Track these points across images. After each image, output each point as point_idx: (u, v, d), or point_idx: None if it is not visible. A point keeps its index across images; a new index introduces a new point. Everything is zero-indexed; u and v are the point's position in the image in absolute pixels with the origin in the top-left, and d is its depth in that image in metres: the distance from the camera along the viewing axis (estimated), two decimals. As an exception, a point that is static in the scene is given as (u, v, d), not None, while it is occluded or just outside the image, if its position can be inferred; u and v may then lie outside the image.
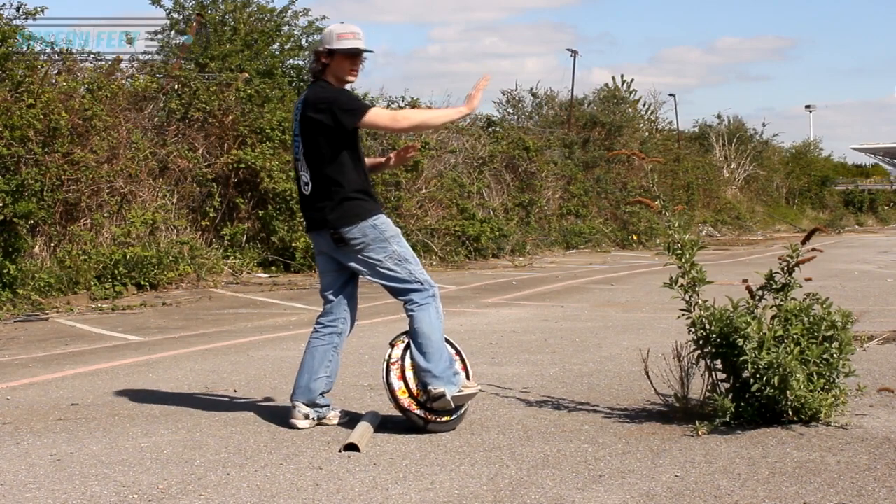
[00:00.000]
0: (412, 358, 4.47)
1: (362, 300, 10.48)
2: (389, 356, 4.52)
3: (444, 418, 4.49)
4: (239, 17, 16.54)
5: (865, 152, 58.90)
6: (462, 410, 4.57)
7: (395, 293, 4.57)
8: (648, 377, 4.90)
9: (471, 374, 4.66)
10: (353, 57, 4.54)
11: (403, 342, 4.55)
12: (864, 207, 44.45)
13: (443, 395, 4.39)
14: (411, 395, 4.44)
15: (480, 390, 4.71)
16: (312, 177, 4.50)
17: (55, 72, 12.12)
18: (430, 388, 4.40)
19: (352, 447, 4.16)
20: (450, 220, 17.06)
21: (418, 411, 4.43)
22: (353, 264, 4.54)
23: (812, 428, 4.39)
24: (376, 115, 4.46)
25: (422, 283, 4.53)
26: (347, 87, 4.63)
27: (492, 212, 18.54)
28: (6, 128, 10.39)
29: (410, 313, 4.50)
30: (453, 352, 4.62)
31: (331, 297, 4.67)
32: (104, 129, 11.65)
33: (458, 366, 4.60)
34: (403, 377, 4.46)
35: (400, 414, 4.52)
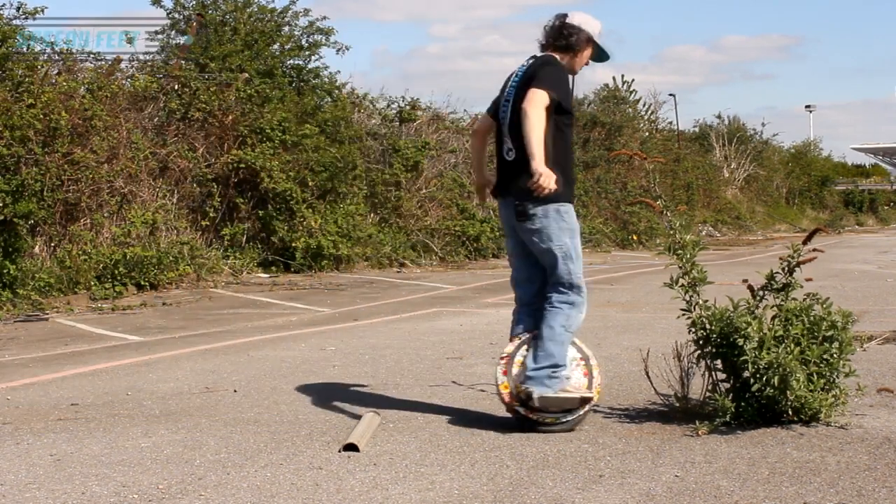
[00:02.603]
0: (524, 355, 4.46)
1: (362, 300, 10.45)
2: (504, 352, 4.51)
3: (548, 419, 4.42)
4: (239, 18, 16.53)
5: (865, 152, 58.89)
6: (572, 416, 4.45)
7: (548, 281, 4.51)
8: (648, 377, 4.90)
9: (595, 381, 4.51)
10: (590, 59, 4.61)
11: (520, 339, 4.51)
12: (864, 207, 44.45)
13: (530, 396, 4.34)
14: (511, 392, 4.42)
15: (588, 397, 4.49)
16: (516, 145, 4.41)
17: (55, 72, 12.12)
18: (524, 388, 4.37)
19: (352, 447, 4.15)
20: (450, 220, 17.06)
21: (519, 408, 4.41)
22: (527, 239, 4.48)
23: (812, 428, 4.39)
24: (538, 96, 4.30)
25: (574, 287, 4.48)
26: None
27: (492, 212, 18.52)
28: (6, 128, 10.39)
29: (546, 310, 4.46)
30: (578, 356, 4.53)
31: (518, 283, 4.64)
32: (104, 129, 11.64)
33: (576, 371, 4.50)
34: (506, 373, 4.43)
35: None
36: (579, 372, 4.51)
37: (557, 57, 4.53)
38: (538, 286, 4.59)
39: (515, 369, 4.43)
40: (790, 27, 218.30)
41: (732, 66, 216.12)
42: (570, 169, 4.53)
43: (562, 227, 4.44)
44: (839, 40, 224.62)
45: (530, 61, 4.55)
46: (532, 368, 4.39)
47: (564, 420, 4.43)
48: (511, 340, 4.55)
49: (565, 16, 4.56)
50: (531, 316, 4.58)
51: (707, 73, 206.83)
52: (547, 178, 4.22)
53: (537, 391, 4.35)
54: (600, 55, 4.66)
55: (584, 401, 4.46)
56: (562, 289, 4.47)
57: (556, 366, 4.40)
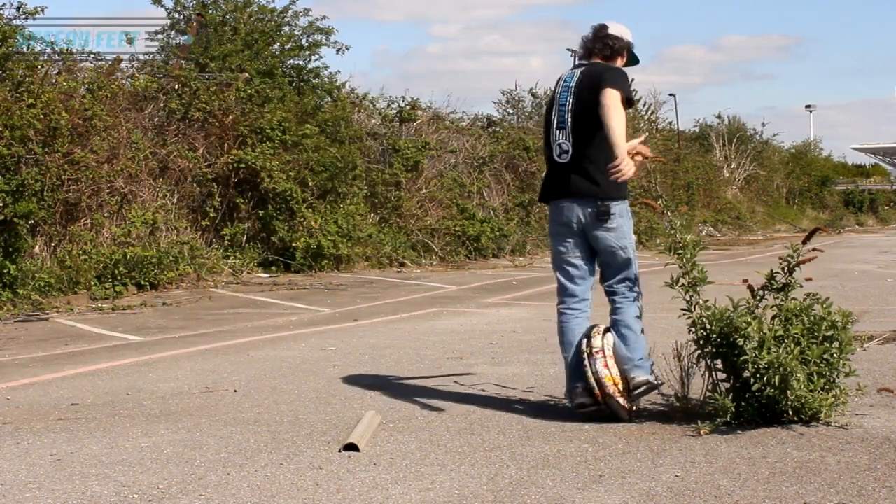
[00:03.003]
0: (614, 347, 4.62)
1: (362, 300, 10.45)
2: (590, 345, 4.60)
3: (634, 408, 4.61)
4: (239, 17, 16.54)
5: (865, 152, 58.89)
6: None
7: (612, 277, 4.78)
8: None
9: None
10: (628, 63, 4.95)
11: (599, 332, 4.65)
12: (864, 207, 44.44)
13: (646, 383, 4.55)
14: (615, 383, 4.53)
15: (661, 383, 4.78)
16: (576, 146, 4.70)
17: (55, 72, 12.12)
18: (633, 376, 4.55)
19: (352, 447, 4.16)
20: (450, 220, 17.06)
21: (621, 400, 4.53)
22: (600, 237, 4.68)
23: (812, 428, 4.39)
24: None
25: (637, 279, 4.80)
26: None
27: (492, 212, 18.54)
28: (6, 128, 10.39)
29: (618, 304, 4.76)
30: None
31: (575, 280, 4.82)
32: (104, 129, 11.64)
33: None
34: (608, 366, 4.54)
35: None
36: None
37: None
38: (591, 282, 4.88)
39: (612, 361, 4.57)
40: (790, 27, 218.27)
41: (732, 66, 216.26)
42: None
43: (631, 224, 4.77)
44: (839, 40, 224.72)
45: (580, 69, 4.84)
46: (638, 359, 4.62)
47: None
48: (592, 336, 4.64)
49: (606, 27, 4.90)
50: (587, 311, 4.85)
51: (707, 74, 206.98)
52: (628, 166, 4.43)
53: (653, 378, 4.62)
54: (633, 61, 5.00)
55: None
56: (630, 283, 4.79)
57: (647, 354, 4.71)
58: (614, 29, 4.88)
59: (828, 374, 4.39)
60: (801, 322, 4.40)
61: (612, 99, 4.52)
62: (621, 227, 4.68)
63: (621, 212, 4.67)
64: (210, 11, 16.55)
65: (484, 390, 5.42)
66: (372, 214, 16.06)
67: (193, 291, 11.46)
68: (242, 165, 13.53)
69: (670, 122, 33.46)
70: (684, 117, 70.60)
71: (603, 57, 4.84)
